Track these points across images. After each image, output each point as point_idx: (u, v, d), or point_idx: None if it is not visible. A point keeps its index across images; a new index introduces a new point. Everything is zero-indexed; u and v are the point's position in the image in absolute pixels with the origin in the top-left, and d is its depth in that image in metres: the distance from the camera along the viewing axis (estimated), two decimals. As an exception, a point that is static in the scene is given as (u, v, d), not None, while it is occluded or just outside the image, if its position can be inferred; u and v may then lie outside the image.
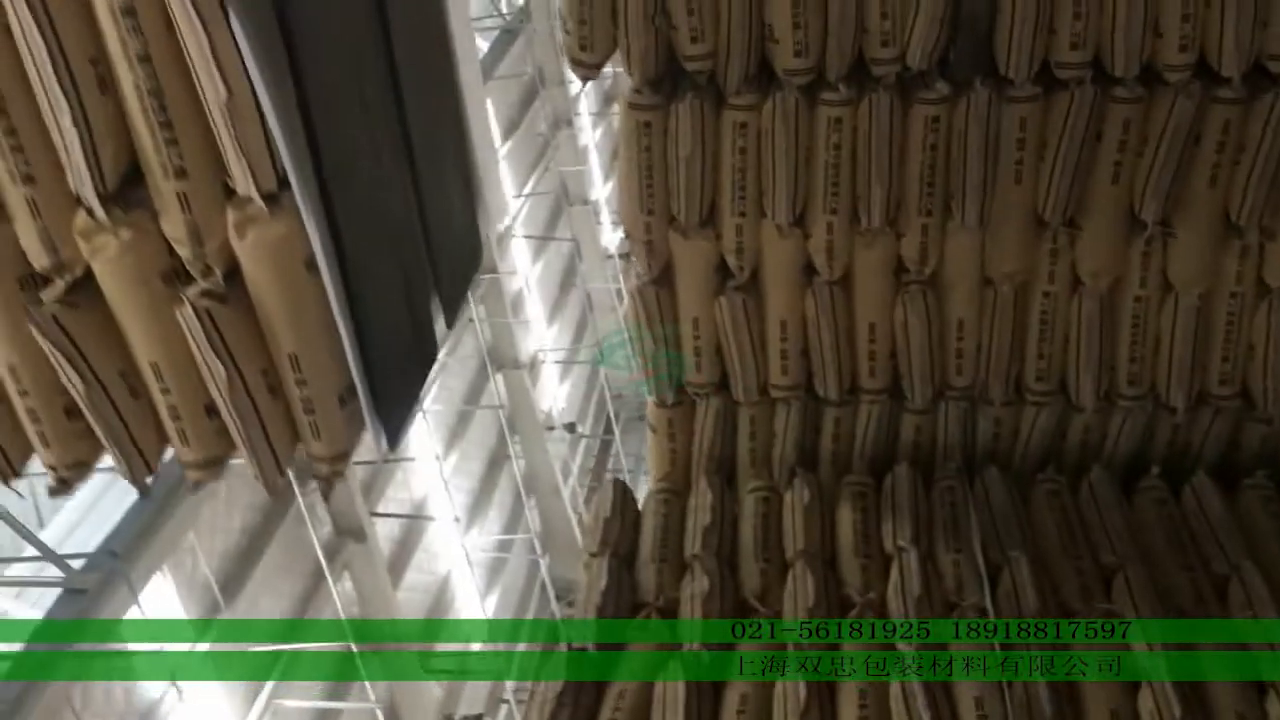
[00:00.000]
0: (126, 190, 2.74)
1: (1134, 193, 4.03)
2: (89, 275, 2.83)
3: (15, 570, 5.67)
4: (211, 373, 2.88)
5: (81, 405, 2.91)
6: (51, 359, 2.84)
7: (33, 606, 6.11)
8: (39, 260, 2.81)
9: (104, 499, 6.24)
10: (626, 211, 4.25)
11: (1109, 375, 4.31)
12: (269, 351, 2.97)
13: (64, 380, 2.88)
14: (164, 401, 2.98)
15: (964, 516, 4.03)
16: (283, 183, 2.71)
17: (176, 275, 2.84)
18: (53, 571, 5.24)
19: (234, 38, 2.47)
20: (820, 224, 4.12)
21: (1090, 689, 3.40)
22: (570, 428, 12.97)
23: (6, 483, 3.10)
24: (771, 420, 4.48)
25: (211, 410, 3.00)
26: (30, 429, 3.04)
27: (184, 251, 2.79)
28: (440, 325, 3.55)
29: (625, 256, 15.33)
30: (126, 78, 2.60)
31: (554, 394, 13.88)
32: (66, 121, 2.57)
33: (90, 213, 2.70)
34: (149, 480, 3.05)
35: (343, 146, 2.86)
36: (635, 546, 4.11)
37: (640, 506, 4.34)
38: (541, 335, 13.94)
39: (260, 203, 2.72)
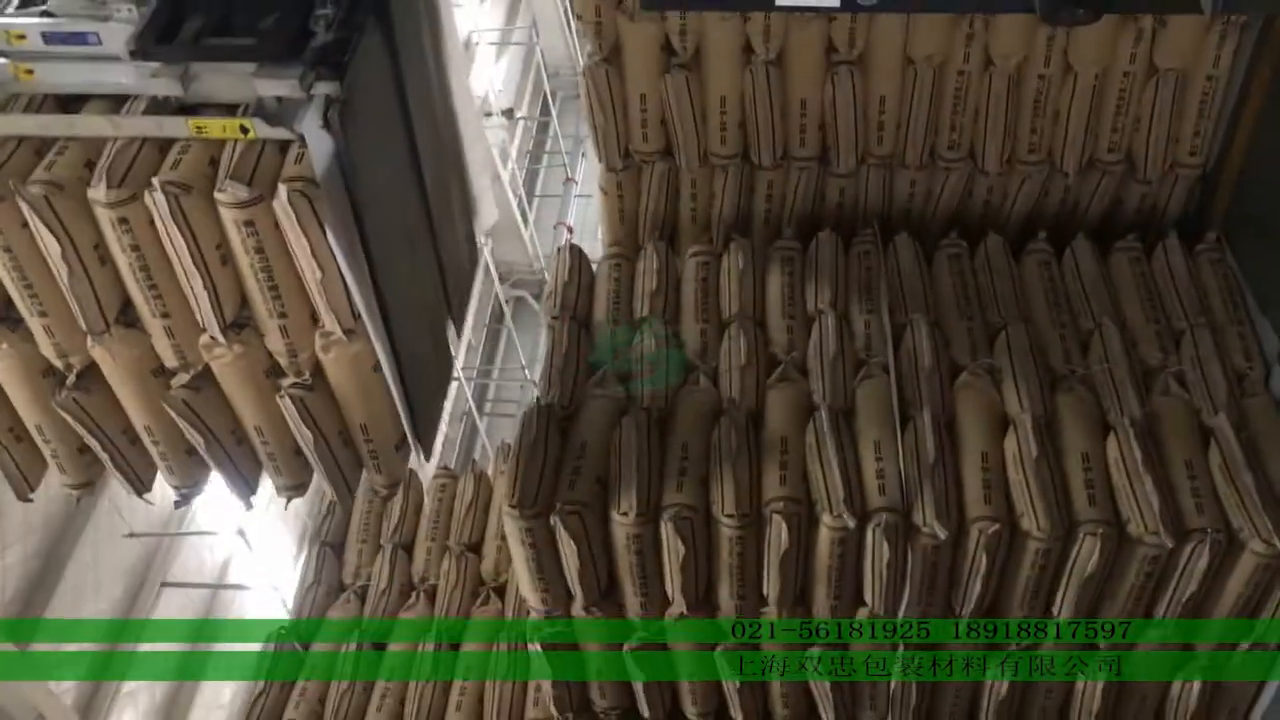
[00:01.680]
0: (238, 315, 3.64)
1: (1044, -17, 4.38)
2: (207, 368, 3.72)
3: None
4: (300, 436, 3.80)
5: (201, 452, 3.86)
6: (178, 423, 3.77)
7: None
8: (169, 361, 3.72)
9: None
10: (578, -5, 4.53)
11: (1012, 143, 4.82)
12: (345, 421, 3.90)
13: (188, 436, 3.83)
14: (263, 449, 3.94)
15: (876, 280, 4.60)
16: (355, 316, 3.58)
17: (275, 371, 3.75)
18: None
19: (326, 238, 3.28)
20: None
21: (966, 433, 4.10)
22: (508, 113, 13.09)
23: (139, 494, 4.16)
24: (711, 183, 4.95)
25: (298, 452, 3.94)
26: (160, 463, 4.04)
27: (282, 360, 3.68)
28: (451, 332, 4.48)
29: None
30: (243, 258, 3.42)
31: (489, 77, 13.81)
32: (198, 287, 3.41)
33: (212, 336, 3.58)
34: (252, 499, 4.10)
35: (396, 281, 3.65)
36: (591, 309, 4.66)
37: (595, 270, 4.85)
38: (474, 15, 13.68)
39: (340, 333, 3.60)
